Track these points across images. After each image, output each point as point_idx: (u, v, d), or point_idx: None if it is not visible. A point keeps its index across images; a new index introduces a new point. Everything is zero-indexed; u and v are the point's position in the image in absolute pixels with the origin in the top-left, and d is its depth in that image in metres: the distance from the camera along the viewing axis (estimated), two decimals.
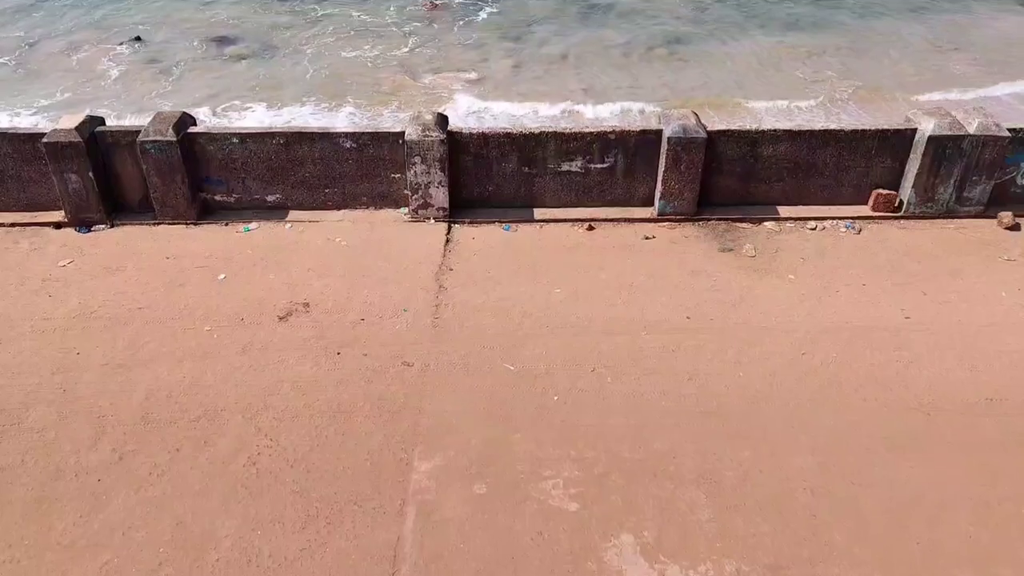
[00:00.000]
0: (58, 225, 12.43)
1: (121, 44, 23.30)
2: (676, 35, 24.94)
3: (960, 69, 22.92)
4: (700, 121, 12.52)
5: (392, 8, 25.69)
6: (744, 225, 12.59)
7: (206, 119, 19.54)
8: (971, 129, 12.21)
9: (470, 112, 20.43)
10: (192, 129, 12.30)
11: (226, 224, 12.51)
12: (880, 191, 12.71)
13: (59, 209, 12.43)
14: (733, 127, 12.73)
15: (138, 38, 23.63)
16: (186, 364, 9.59)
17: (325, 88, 21.16)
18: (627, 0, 27.05)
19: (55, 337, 10.01)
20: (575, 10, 26.40)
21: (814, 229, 12.50)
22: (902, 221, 12.71)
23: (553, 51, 23.86)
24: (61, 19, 25.15)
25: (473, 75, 22.32)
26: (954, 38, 25.15)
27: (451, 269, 11.44)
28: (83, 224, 12.37)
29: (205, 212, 12.72)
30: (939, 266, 11.58)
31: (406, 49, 23.60)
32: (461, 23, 25.25)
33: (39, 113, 19.66)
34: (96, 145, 12.05)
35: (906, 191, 12.67)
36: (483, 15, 25.75)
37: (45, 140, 11.76)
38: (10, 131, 12.31)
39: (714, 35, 25.13)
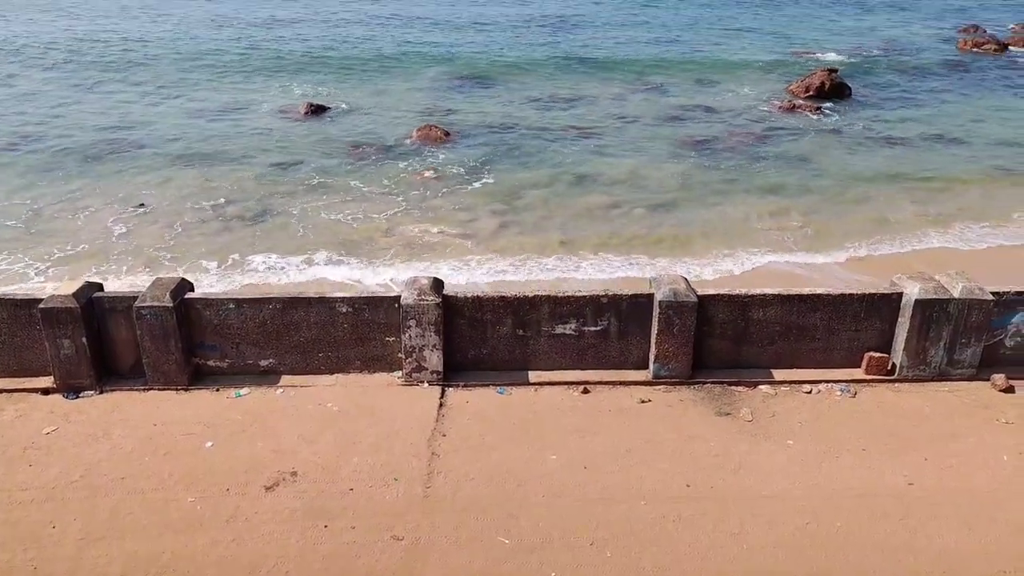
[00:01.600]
0: (46, 391, 12.29)
1: (127, 210, 24.03)
2: (663, 200, 25.95)
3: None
4: (690, 286, 12.77)
5: (386, 180, 26.86)
6: (739, 388, 12.55)
7: (209, 269, 20.27)
8: (955, 293, 12.46)
9: (458, 265, 21.23)
10: (189, 295, 12.44)
11: (217, 389, 12.39)
12: (872, 354, 12.78)
13: (48, 374, 12.32)
14: (723, 291, 12.96)
15: (142, 204, 24.38)
16: (167, 537, 9.19)
17: (317, 245, 22.01)
18: (614, 173, 28.39)
19: (32, 509, 9.64)
20: (566, 180, 27.63)
21: (809, 392, 12.46)
22: (896, 384, 12.71)
23: (541, 212, 24.96)
24: (67, 184, 26.14)
25: (461, 231, 23.29)
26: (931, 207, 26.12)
27: (444, 435, 11.24)
28: (71, 390, 12.24)
29: (197, 377, 12.64)
30: (937, 430, 11.47)
31: (398, 211, 24.56)
32: (454, 190, 26.36)
33: (50, 267, 20.26)
34: (92, 311, 12.13)
35: (898, 354, 12.75)
36: (477, 184, 26.92)
37: (42, 306, 11.84)
38: (7, 297, 12.42)
39: (699, 199, 26.15)
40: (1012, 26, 60.69)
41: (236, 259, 21.12)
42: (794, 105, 37.24)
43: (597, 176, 28.16)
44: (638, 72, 44.10)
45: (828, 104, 37.68)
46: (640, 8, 68.82)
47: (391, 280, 20.18)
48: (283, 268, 20.72)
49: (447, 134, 31.74)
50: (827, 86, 39.06)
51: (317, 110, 35.09)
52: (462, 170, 28.13)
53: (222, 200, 25.03)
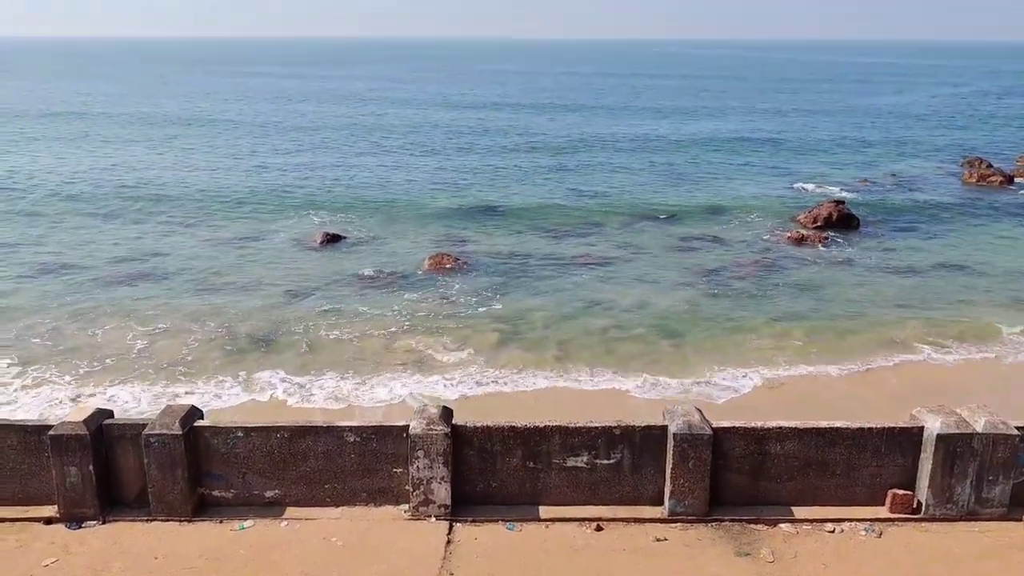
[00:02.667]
0: (48, 520, 12.03)
1: (145, 330, 24.46)
2: (666, 324, 26.03)
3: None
4: (704, 417, 12.56)
5: (396, 306, 27.27)
6: (759, 527, 12.10)
7: (219, 386, 20.68)
8: (979, 427, 12.18)
9: (459, 378, 21.85)
10: (199, 423, 12.35)
11: (221, 521, 12.08)
12: (896, 491, 12.37)
13: (52, 503, 12.10)
14: (738, 424, 12.73)
15: (158, 327, 24.89)
16: None
17: (322, 364, 22.48)
18: (621, 299, 28.69)
19: None
20: (572, 305, 27.92)
21: (832, 532, 11.99)
22: (923, 524, 12.22)
23: (542, 332, 25.40)
24: (87, 306, 26.74)
25: (464, 350, 23.67)
26: (942, 335, 26.06)
27: (451, 574, 10.81)
28: (74, 520, 11.97)
29: (201, 507, 12.35)
30: (970, 574, 10.92)
31: (404, 332, 24.99)
32: (462, 314, 26.72)
33: (73, 384, 21.07)
34: (101, 438, 12.04)
35: (922, 491, 12.33)
36: (484, 309, 27.31)
37: (52, 433, 11.78)
38: (18, 424, 12.38)
39: (704, 323, 26.25)
40: (1017, 158, 62.11)
41: (244, 376, 21.75)
42: (802, 236, 37.79)
43: (603, 302, 28.54)
44: (646, 205, 45.14)
45: (836, 235, 38.21)
46: (645, 143, 71.36)
47: (391, 396, 20.75)
48: (289, 386, 21.25)
49: (458, 263, 32.29)
50: (835, 217, 39.74)
51: (333, 239, 35.93)
52: (472, 298, 28.55)
53: (234, 323, 25.60)
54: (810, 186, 50.97)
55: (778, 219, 41.53)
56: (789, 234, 38.28)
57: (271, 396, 20.68)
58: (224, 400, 20.43)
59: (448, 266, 31.91)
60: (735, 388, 21.97)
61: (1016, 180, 52.98)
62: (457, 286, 29.79)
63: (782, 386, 22.07)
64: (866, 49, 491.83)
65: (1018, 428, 12.29)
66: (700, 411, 12.82)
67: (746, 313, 27.55)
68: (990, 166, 56.26)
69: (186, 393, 20.52)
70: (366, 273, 31.27)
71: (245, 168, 55.23)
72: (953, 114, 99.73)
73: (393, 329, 25.37)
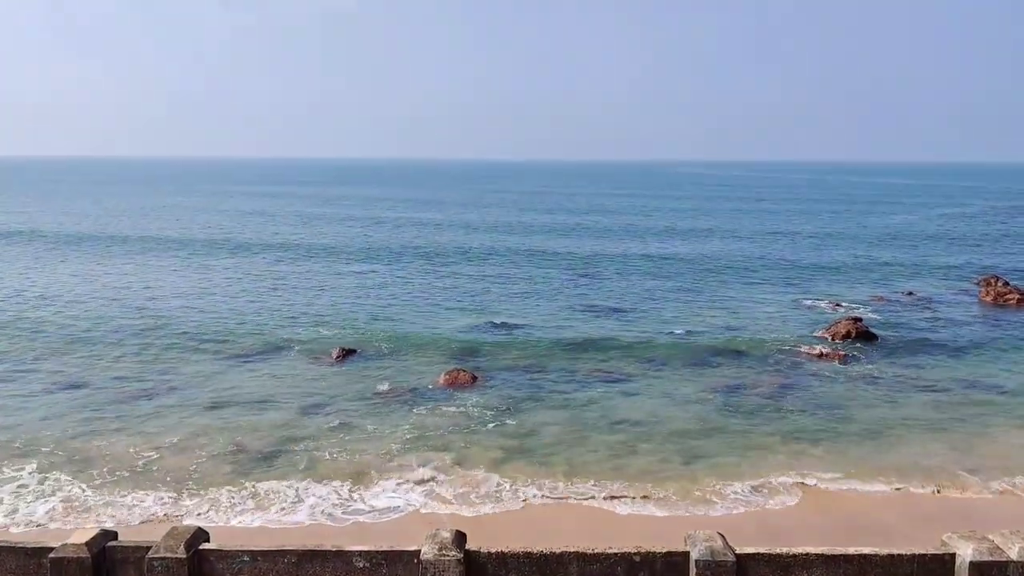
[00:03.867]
0: None
1: (157, 445, 24.38)
2: (682, 440, 25.55)
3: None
4: (727, 543, 12.08)
5: (407, 424, 27.15)
6: None
7: (225, 500, 20.01)
8: (1013, 555, 11.61)
9: (471, 499, 21.37)
10: (204, 546, 12.01)
11: None
12: None
13: None
14: (762, 550, 12.21)
15: (171, 441, 24.82)
16: None
17: (329, 477, 22.44)
18: (636, 414, 28.44)
19: None
20: (586, 420, 27.69)
21: None
22: None
23: (553, 448, 25.28)
24: (98, 415, 26.97)
25: (478, 470, 23.13)
26: (966, 455, 25.39)
27: None
28: None
29: None
30: None
31: (414, 448, 24.85)
32: (474, 429, 26.62)
33: (80, 497, 21.27)
34: (103, 561, 11.70)
35: None
36: (496, 424, 27.16)
37: (52, 555, 11.46)
38: (18, 545, 12.07)
39: (720, 440, 25.77)
40: None
41: (251, 493, 21.63)
42: (821, 352, 37.52)
43: (618, 417, 28.39)
44: (665, 320, 45.30)
45: (855, 351, 37.92)
46: (660, 261, 72.25)
47: (402, 513, 20.48)
48: (297, 503, 21.07)
49: (474, 378, 32.18)
50: (853, 334, 39.60)
51: (347, 354, 36.05)
52: (487, 412, 28.47)
53: (245, 439, 25.66)
54: (827, 304, 51.02)
55: (795, 336, 41.35)
56: (808, 350, 38.01)
57: (279, 513, 20.41)
58: (231, 518, 20.14)
59: (463, 381, 31.82)
60: (757, 508, 21.36)
61: None
62: (472, 401, 29.64)
63: (805, 506, 21.43)
64: (863, 170, 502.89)
65: None
66: (723, 536, 12.34)
67: (766, 429, 27.16)
68: (1007, 284, 56.22)
69: (195, 513, 20.26)
70: (381, 388, 31.27)
71: (260, 288, 56.18)
72: (964, 233, 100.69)
73: (407, 444, 25.26)
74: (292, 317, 45.18)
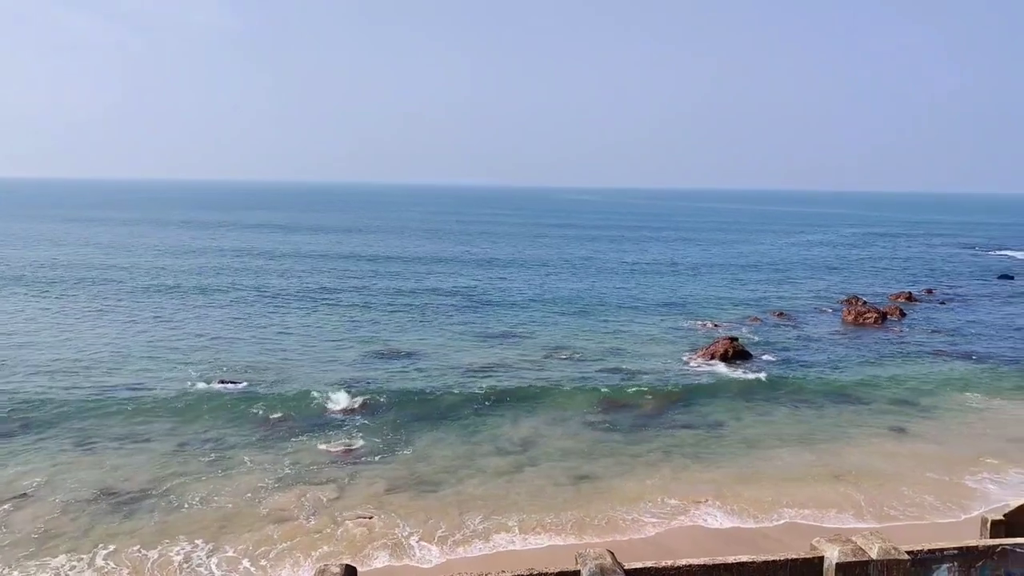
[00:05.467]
0: None
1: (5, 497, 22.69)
2: (573, 464, 26.18)
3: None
4: (616, 560, 12.54)
5: (288, 457, 26.51)
6: None
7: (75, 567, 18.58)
8: (873, 554, 12.62)
9: (358, 543, 20.50)
10: None
11: None
12: None
13: None
14: (649, 564, 12.74)
15: (24, 494, 23.16)
16: None
17: (197, 532, 21.05)
18: (532, 440, 28.86)
19: None
20: (476, 443, 27.90)
21: None
22: None
23: (443, 478, 25.01)
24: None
25: (368, 506, 22.71)
26: (832, 461, 27.21)
27: None
28: None
29: None
30: None
31: (293, 489, 23.98)
32: (363, 461, 26.22)
33: None
34: None
35: None
36: (381, 456, 26.91)
37: None
38: None
39: (608, 463, 26.48)
40: (890, 295, 67.08)
41: (108, 552, 20.05)
42: (702, 370, 39.25)
43: (509, 441, 28.63)
44: (553, 344, 46.16)
45: (732, 369, 39.85)
46: (544, 277, 73.60)
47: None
48: (154, 561, 19.58)
49: (363, 407, 31.85)
50: (730, 353, 41.63)
51: (230, 386, 34.88)
52: (374, 440, 28.16)
53: (110, 480, 24.11)
54: (705, 325, 53.33)
55: (676, 357, 43.05)
56: (689, 369, 39.66)
57: None
58: None
59: (352, 411, 31.41)
60: (644, 525, 22.08)
61: (889, 318, 56.98)
62: (360, 430, 29.27)
63: (691, 521, 22.34)
64: (733, 198, 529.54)
65: (909, 553, 12.80)
66: (612, 553, 12.81)
67: (650, 446, 28.14)
68: (865, 304, 60.51)
69: None
70: (265, 420, 30.37)
71: (144, 320, 53.62)
72: (830, 257, 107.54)
73: (282, 482, 24.29)
74: (169, 352, 43.30)
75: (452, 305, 60.09)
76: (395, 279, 75.51)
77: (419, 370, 39.08)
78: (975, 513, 22.46)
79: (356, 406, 31.78)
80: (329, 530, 21.19)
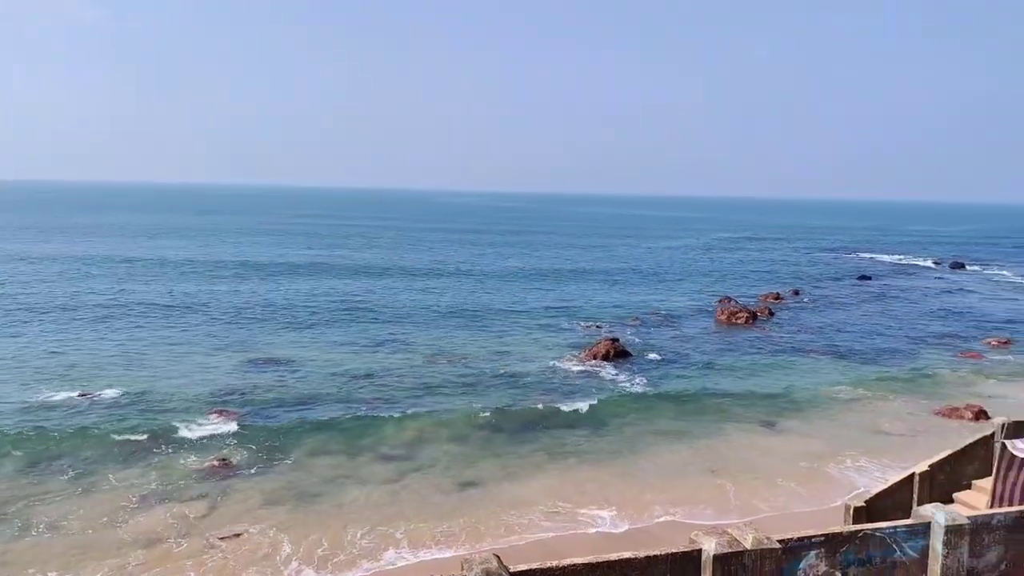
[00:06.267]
0: None
1: None
2: (455, 474, 26.04)
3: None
4: (502, 563, 12.42)
5: (155, 473, 24.97)
6: None
7: None
8: (747, 544, 13.03)
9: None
10: None
11: None
12: None
13: None
14: (534, 566, 12.68)
15: None
16: None
17: (43, 558, 19.48)
18: (414, 446, 28.51)
19: None
20: (364, 454, 27.28)
21: None
22: None
23: (329, 491, 24.23)
24: None
25: (239, 525, 21.63)
26: (709, 456, 28.22)
27: None
28: None
29: None
30: None
31: (164, 513, 22.61)
32: (236, 476, 25.10)
33: None
34: None
35: None
36: (257, 468, 25.84)
37: None
38: None
39: (492, 470, 26.52)
40: (759, 296, 70.46)
41: None
42: (585, 370, 39.92)
43: (391, 448, 28.11)
44: (436, 348, 45.82)
45: (613, 369, 40.74)
46: (424, 282, 73.17)
47: None
48: None
49: (239, 417, 30.57)
50: (611, 353, 42.55)
51: (92, 400, 32.72)
52: (251, 452, 27.04)
53: None
54: (587, 326, 54.33)
55: (559, 358, 43.61)
56: (572, 370, 40.25)
57: None
58: None
59: (226, 422, 30.05)
60: (534, 528, 22.07)
61: (759, 317, 59.83)
62: (235, 443, 28.00)
63: (577, 522, 22.54)
64: (606, 202, 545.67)
65: (780, 542, 13.30)
66: (498, 557, 12.68)
67: (533, 447, 28.33)
68: (737, 303, 63.33)
69: None
70: (129, 436, 28.48)
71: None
72: (702, 260, 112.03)
73: (146, 502, 22.84)
74: (18, 367, 40.12)
75: (330, 311, 58.50)
76: (269, 285, 72.63)
77: (297, 378, 37.85)
78: (839, 501, 23.75)
79: (229, 417, 30.39)
80: (200, 553, 20.00)
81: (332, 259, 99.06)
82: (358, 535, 21.28)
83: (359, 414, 31.89)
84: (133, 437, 28.35)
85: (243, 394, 34.52)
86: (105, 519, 21.70)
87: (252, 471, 25.58)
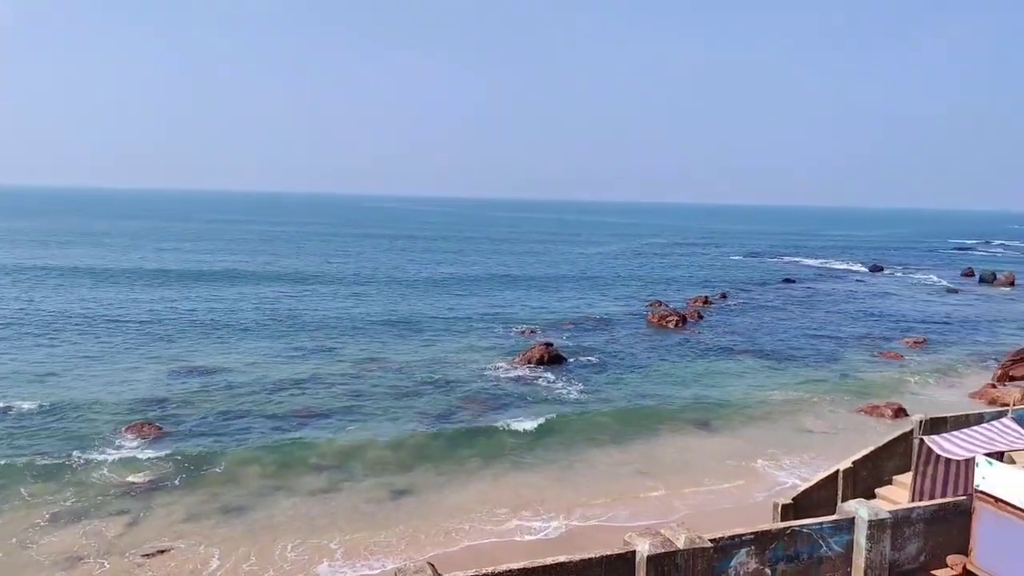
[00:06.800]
0: None
1: None
2: (389, 481, 25.74)
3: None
4: (436, 571, 12.25)
5: (72, 490, 23.79)
6: None
7: None
8: (680, 544, 13.17)
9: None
10: None
11: None
12: None
13: None
14: (470, 573, 12.54)
15: None
16: None
17: None
18: (349, 453, 28.00)
19: None
20: (292, 464, 26.66)
21: None
22: None
23: (258, 502, 23.65)
24: None
25: (159, 542, 20.82)
26: (641, 458, 28.56)
27: None
28: None
29: None
30: None
31: (78, 536, 21.72)
32: (158, 492, 24.17)
33: None
34: None
35: None
36: (180, 481, 25.00)
37: None
38: None
39: (427, 477, 26.27)
40: (688, 300, 71.83)
41: None
42: (520, 376, 39.96)
43: (323, 458, 27.55)
44: (368, 354, 45.22)
45: (548, 374, 40.90)
46: (354, 288, 72.25)
47: None
48: None
49: (161, 430, 29.52)
50: (546, 358, 42.72)
51: (10, 408, 31.18)
52: (175, 464, 26.14)
53: None
54: (521, 331, 54.44)
55: (494, 363, 43.54)
56: (507, 375, 40.25)
57: None
58: None
59: (147, 435, 28.98)
60: (471, 534, 21.88)
61: (688, 320, 60.97)
62: (156, 456, 26.94)
63: (513, 528, 22.46)
64: (533, 207, 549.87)
65: (712, 541, 13.48)
66: (432, 565, 12.50)
67: (469, 452, 28.18)
68: (668, 307, 64.43)
69: None
70: (43, 452, 27.21)
71: None
72: (632, 265, 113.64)
73: (69, 518, 21.87)
74: None
75: (257, 320, 56.86)
76: (189, 293, 70.21)
77: (221, 388, 36.76)
78: (761, 497, 24.31)
79: (150, 430, 29.29)
80: (124, 572, 19.13)
81: (256, 266, 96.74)
82: (288, 548, 20.72)
83: (288, 425, 31.19)
84: (48, 451, 27.07)
85: (165, 405, 33.36)
86: (15, 540, 20.59)
87: (175, 485, 24.70)
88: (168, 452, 27.31)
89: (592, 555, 13.22)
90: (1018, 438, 15.48)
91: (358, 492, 24.68)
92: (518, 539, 21.72)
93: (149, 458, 26.73)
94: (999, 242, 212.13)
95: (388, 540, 21.40)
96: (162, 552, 19.98)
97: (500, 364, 43.22)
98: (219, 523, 21.97)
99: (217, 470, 25.97)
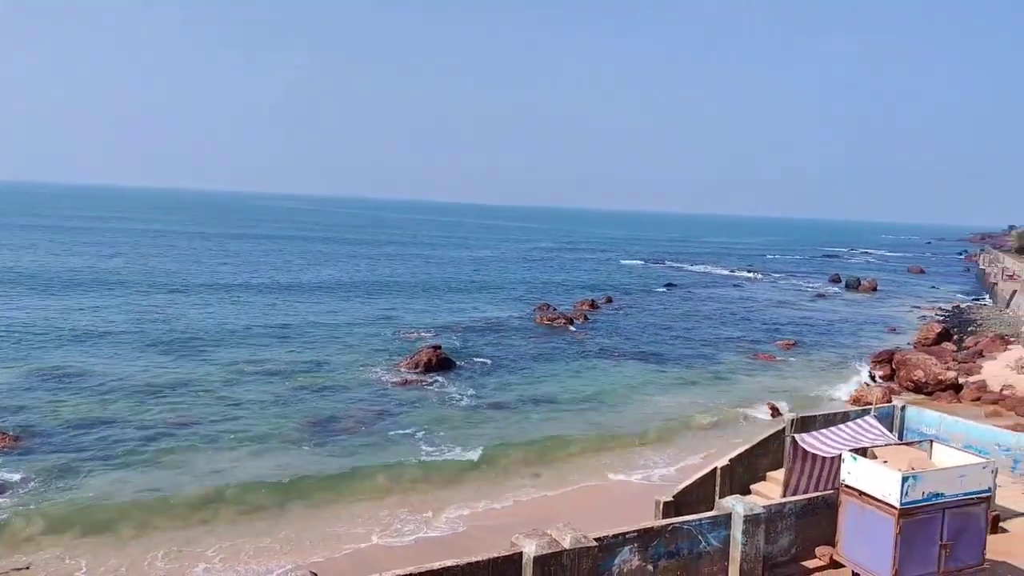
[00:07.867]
0: None
1: None
2: (273, 498, 24.91)
3: None
4: None
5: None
6: None
7: None
8: (566, 544, 13.29)
9: None
10: None
11: None
12: None
13: None
14: None
15: None
16: None
17: None
18: (231, 468, 26.88)
19: None
20: (170, 480, 25.35)
21: None
22: None
23: (130, 517, 22.25)
24: None
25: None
26: (532, 459, 28.80)
27: None
28: None
29: None
30: None
31: None
32: (10, 505, 22.52)
33: None
34: None
35: None
36: (39, 501, 23.29)
37: None
38: None
39: (306, 493, 25.59)
40: (575, 303, 73.12)
41: None
42: (407, 380, 39.50)
43: (199, 468, 26.29)
44: (248, 356, 43.60)
45: (437, 376, 40.63)
46: (233, 292, 69.80)
47: None
48: None
49: (16, 439, 27.45)
50: (434, 361, 42.39)
51: None
52: (33, 475, 24.35)
53: None
54: (408, 334, 53.85)
55: (380, 367, 42.85)
56: (395, 379, 39.71)
57: None
58: None
59: (3, 441, 26.90)
60: (357, 539, 21.44)
61: (575, 322, 62.09)
62: (9, 464, 25.00)
63: (403, 532, 22.10)
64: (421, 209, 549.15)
65: (596, 540, 13.68)
66: (314, 574, 12.14)
67: (357, 460, 27.53)
68: (555, 310, 65.38)
69: None
70: None
71: None
72: (520, 269, 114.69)
73: None
74: None
75: (122, 319, 53.51)
76: (41, 291, 65.97)
77: (85, 395, 34.33)
78: (640, 492, 24.92)
79: (7, 440, 27.16)
80: None
81: (116, 265, 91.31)
82: (159, 555, 19.70)
83: (159, 433, 29.55)
84: None
85: (20, 412, 31.01)
86: None
87: (32, 496, 22.94)
88: (22, 461, 25.38)
89: (479, 558, 13.16)
90: (880, 435, 16.51)
91: (237, 500, 23.70)
92: (404, 543, 21.43)
93: (2, 470, 24.75)
94: (862, 250, 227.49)
95: (271, 545, 20.70)
96: (25, 568, 18.54)
97: (386, 368, 42.58)
98: (84, 534, 20.62)
99: (79, 480, 24.33)
